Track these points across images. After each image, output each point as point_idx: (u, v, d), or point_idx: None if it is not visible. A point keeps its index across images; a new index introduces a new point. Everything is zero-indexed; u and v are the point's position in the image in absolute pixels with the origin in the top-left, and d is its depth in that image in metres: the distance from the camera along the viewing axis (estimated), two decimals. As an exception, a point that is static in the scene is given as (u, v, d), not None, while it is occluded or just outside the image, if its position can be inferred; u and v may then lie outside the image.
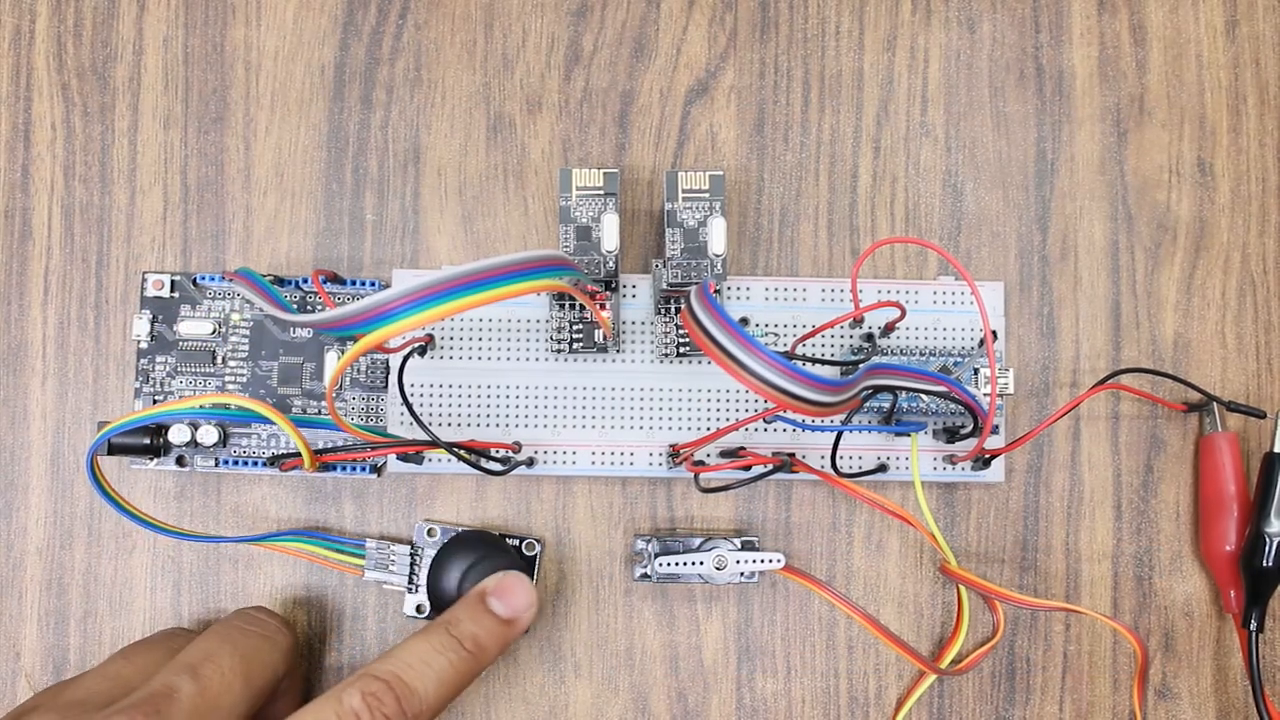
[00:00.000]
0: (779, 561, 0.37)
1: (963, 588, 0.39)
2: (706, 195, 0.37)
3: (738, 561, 0.37)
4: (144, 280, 0.39)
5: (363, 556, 0.38)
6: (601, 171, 0.36)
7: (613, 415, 0.38)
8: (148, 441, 0.37)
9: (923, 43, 0.41)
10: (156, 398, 0.39)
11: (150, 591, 0.39)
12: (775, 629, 0.39)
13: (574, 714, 0.39)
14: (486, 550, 0.37)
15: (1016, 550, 0.40)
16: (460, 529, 0.38)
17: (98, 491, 0.34)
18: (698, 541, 0.38)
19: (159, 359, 0.39)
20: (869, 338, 0.39)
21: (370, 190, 0.40)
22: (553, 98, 0.41)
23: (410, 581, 0.38)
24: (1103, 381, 0.39)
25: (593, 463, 0.38)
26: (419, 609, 0.38)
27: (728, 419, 0.39)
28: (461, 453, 0.36)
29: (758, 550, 0.38)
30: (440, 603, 0.37)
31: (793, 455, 0.38)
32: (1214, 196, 0.41)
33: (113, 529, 0.39)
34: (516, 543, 0.39)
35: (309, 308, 0.39)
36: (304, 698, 0.37)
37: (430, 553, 0.38)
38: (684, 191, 0.37)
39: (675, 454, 0.38)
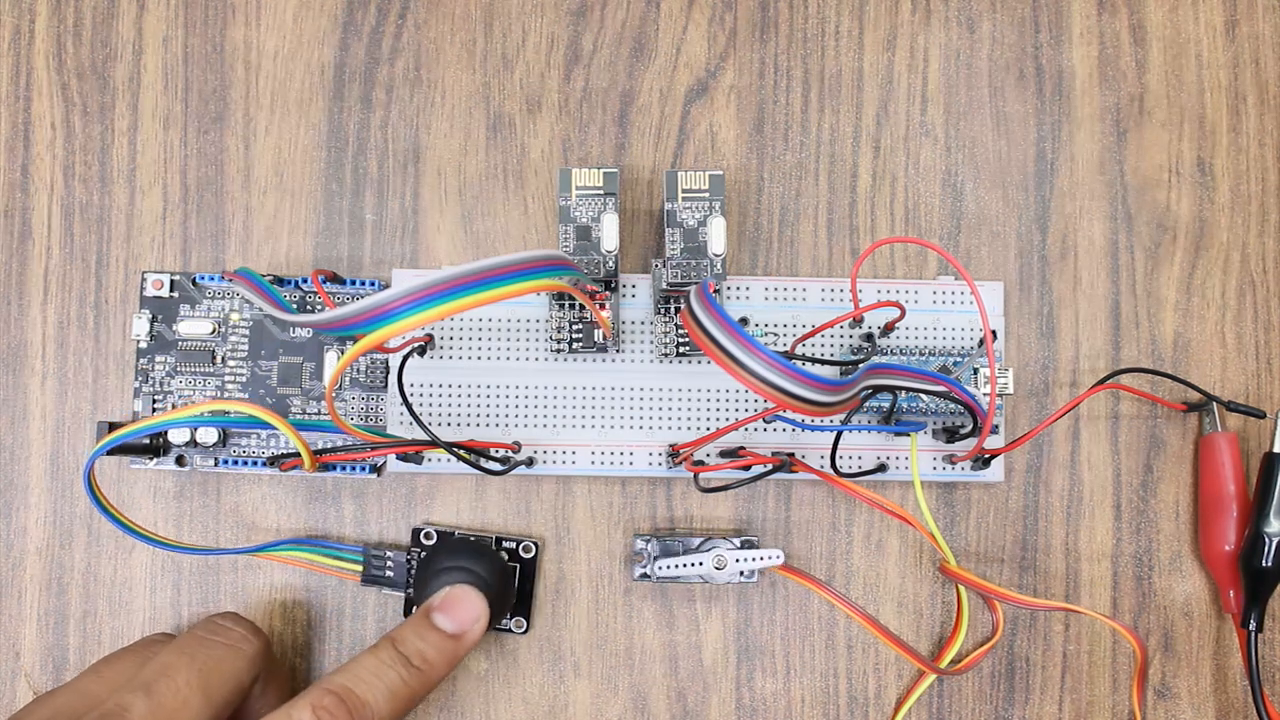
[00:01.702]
0: (778, 558, 0.37)
1: (962, 587, 0.39)
2: (706, 195, 0.37)
3: (737, 560, 0.37)
4: (143, 280, 0.39)
5: (360, 563, 0.38)
6: (601, 171, 0.36)
7: (612, 415, 0.38)
8: (147, 441, 0.37)
9: (922, 42, 0.41)
10: (156, 397, 0.39)
11: (150, 592, 0.39)
12: (775, 629, 0.39)
13: (574, 714, 0.39)
14: (462, 557, 0.37)
15: (1016, 550, 0.40)
16: (455, 532, 0.38)
17: (95, 505, 0.33)
18: (697, 541, 0.38)
19: (158, 359, 0.39)
20: (869, 337, 0.39)
21: (370, 190, 0.40)
22: (552, 97, 0.41)
23: (408, 588, 0.38)
24: (1102, 381, 0.39)
25: (592, 463, 0.38)
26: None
27: (727, 419, 0.39)
28: (461, 453, 0.36)
29: (757, 549, 0.38)
30: None
31: (792, 455, 0.38)
32: (1214, 196, 0.41)
33: (112, 529, 0.39)
34: (514, 544, 0.39)
35: (309, 308, 0.39)
36: (286, 697, 0.37)
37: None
38: (684, 191, 0.37)
39: (675, 454, 0.38)
